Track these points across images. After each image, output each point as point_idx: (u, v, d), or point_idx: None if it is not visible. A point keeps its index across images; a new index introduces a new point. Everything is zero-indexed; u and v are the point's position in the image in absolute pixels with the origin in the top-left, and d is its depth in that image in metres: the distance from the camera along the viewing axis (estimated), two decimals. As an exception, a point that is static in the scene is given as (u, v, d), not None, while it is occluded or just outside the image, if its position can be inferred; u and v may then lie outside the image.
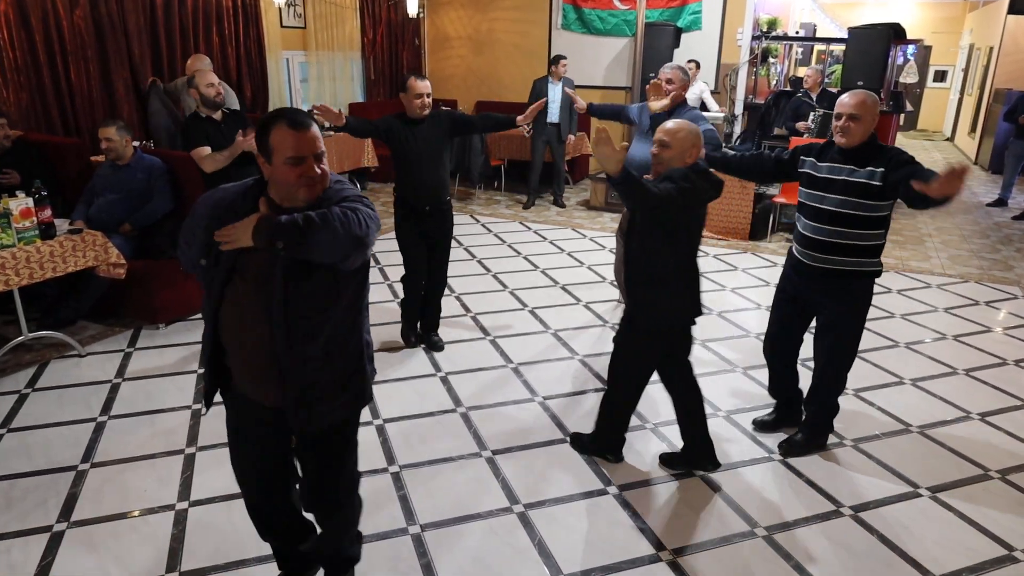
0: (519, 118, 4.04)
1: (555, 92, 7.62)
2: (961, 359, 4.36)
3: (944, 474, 3.16)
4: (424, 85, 3.82)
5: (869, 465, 3.21)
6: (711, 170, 2.84)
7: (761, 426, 3.47)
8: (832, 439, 3.39)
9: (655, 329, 2.90)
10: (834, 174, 2.86)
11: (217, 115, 4.16)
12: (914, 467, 3.20)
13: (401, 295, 4.41)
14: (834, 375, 3.17)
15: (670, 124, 2.77)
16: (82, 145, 5.33)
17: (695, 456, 3.11)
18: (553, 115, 7.69)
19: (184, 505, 2.81)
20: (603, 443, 3.19)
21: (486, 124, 4.20)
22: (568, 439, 3.31)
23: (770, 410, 3.51)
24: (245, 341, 1.88)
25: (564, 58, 7.65)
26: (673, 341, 2.96)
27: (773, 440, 3.37)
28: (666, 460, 3.17)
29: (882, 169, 2.74)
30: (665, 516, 2.82)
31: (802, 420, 3.35)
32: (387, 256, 6.01)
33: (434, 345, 4.31)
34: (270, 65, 8.06)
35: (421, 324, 4.37)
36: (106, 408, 3.53)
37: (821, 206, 2.91)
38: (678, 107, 3.92)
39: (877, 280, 3.02)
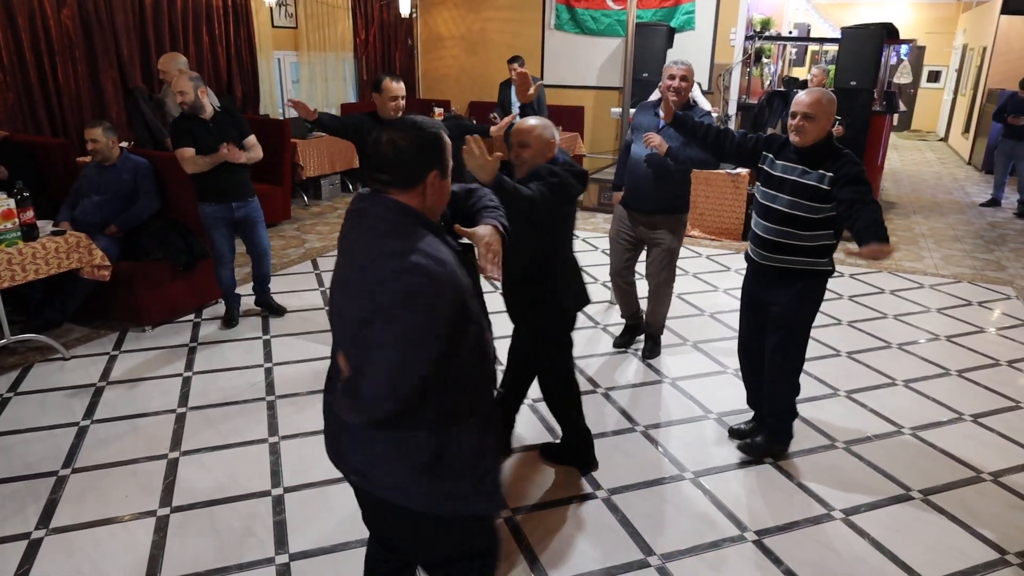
0: (493, 129, 3.88)
1: (514, 93, 7.38)
2: (954, 360, 4.33)
3: (936, 476, 3.13)
4: (399, 87, 3.75)
5: (860, 468, 3.18)
6: (572, 161, 2.83)
7: (737, 434, 3.38)
8: (823, 441, 3.37)
9: (545, 323, 2.89)
10: (787, 174, 2.85)
11: (207, 115, 4.11)
12: (906, 469, 3.17)
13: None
14: (782, 376, 3.11)
15: (530, 122, 2.76)
16: (69, 145, 5.28)
17: (572, 453, 3.13)
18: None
19: (166, 511, 2.77)
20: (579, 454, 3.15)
21: (457, 131, 4.11)
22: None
23: (749, 418, 3.45)
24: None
25: (514, 60, 7.26)
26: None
27: (764, 443, 3.33)
28: (544, 451, 3.21)
29: (831, 174, 2.73)
30: (654, 520, 2.79)
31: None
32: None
33: None
34: (261, 65, 8.02)
35: None
36: (89, 412, 3.48)
37: (773, 205, 2.88)
38: (687, 108, 3.74)
39: (871, 280, 2.98)
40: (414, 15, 10.15)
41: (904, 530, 2.77)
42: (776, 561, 2.58)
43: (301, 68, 8.78)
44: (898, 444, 3.39)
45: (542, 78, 9.89)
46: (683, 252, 6.45)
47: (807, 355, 3.19)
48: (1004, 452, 3.34)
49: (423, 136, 1.53)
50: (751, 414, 3.46)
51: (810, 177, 2.77)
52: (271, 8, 8.08)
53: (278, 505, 2.80)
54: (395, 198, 1.52)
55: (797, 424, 3.50)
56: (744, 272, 3.22)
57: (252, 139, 4.26)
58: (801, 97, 2.79)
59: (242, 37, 7.72)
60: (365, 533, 2.64)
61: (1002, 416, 3.67)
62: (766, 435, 3.25)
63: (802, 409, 3.64)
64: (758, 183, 3.01)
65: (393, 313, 1.40)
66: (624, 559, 2.57)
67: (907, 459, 3.26)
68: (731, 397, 3.76)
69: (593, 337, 4.52)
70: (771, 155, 2.94)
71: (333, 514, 2.76)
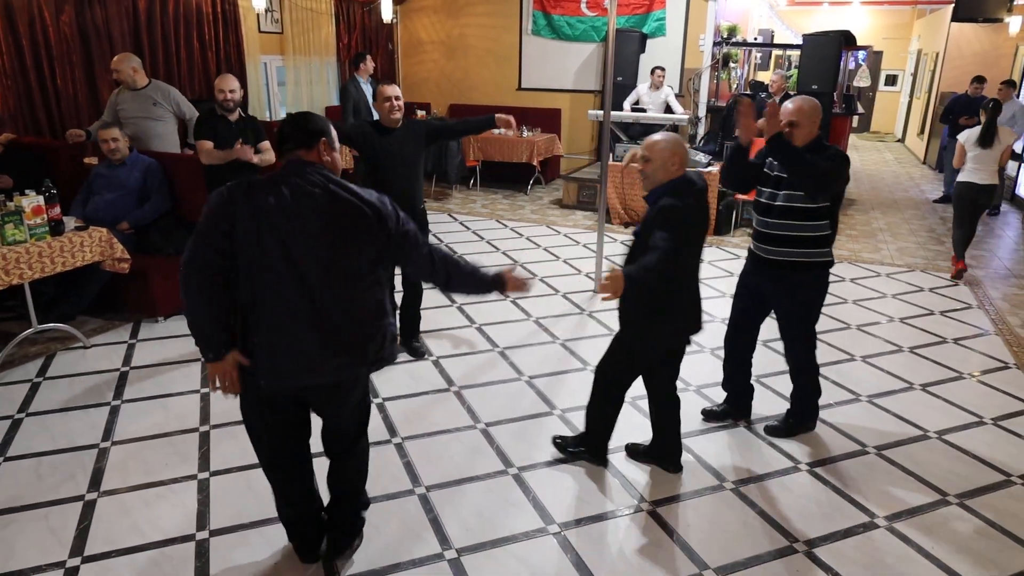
0: (497, 115, 4.11)
1: (368, 92, 7.29)
2: (906, 339, 4.78)
3: (888, 435, 3.54)
4: (392, 88, 3.87)
5: (823, 429, 3.58)
6: (692, 178, 2.80)
7: (709, 416, 3.64)
8: (787, 407, 3.74)
9: (651, 351, 2.97)
10: (783, 170, 3.12)
11: (233, 116, 4.47)
12: (862, 430, 3.58)
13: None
14: (803, 361, 3.40)
15: (655, 137, 2.80)
16: (74, 147, 5.49)
17: (661, 455, 3.20)
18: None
19: (205, 475, 3.06)
20: (589, 448, 3.23)
21: (466, 127, 4.27)
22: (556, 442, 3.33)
23: (721, 401, 3.71)
24: None
25: (369, 55, 7.42)
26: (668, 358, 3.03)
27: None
28: (631, 451, 3.29)
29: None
30: (644, 474, 3.15)
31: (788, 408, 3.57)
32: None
33: (416, 351, 4.28)
34: (249, 69, 8.25)
35: (401, 332, 4.28)
36: (118, 393, 3.75)
37: (773, 203, 3.20)
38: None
39: (832, 269, 3.30)
40: (395, 20, 10.44)
41: (859, 480, 3.17)
42: (751, 504, 2.95)
43: (287, 72, 9.02)
44: (856, 409, 3.80)
45: (520, 82, 10.28)
46: (659, 245, 6.87)
47: (774, 335, 3.57)
48: (948, 414, 3.78)
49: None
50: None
51: None
52: (258, 14, 8.32)
53: (307, 469, 3.11)
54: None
55: (766, 393, 3.91)
56: (744, 264, 3.48)
57: (267, 144, 4.59)
58: (786, 106, 3.10)
59: (231, 42, 7.96)
60: (389, 487, 3.00)
61: (947, 385, 4.11)
62: (794, 419, 3.51)
63: (771, 382, 4.04)
64: (758, 186, 3.28)
65: None
66: (619, 506, 2.92)
67: (863, 421, 3.67)
68: (708, 372, 4.15)
69: (580, 322, 4.89)
70: (769, 158, 3.20)
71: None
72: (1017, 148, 8.73)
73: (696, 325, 2.95)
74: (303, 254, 2.06)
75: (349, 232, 2.10)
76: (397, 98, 3.88)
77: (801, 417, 3.54)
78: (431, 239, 4.79)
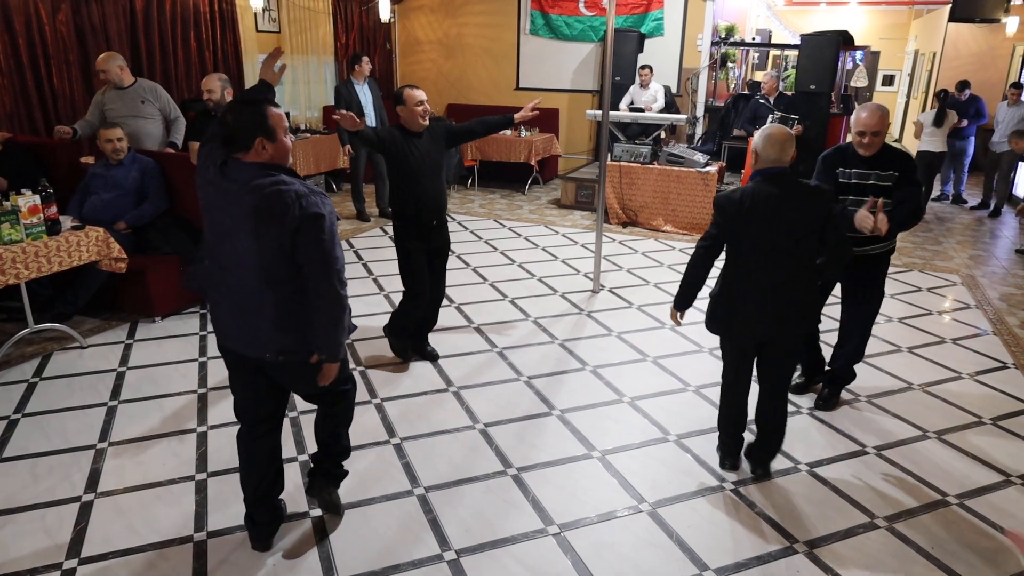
0: (516, 116, 4.03)
1: (363, 93, 7.17)
2: (905, 339, 4.77)
3: (888, 435, 3.54)
4: (421, 92, 3.79)
5: (822, 429, 3.58)
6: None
7: (795, 389, 3.90)
8: (791, 409, 3.74)
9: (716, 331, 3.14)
10: (863, 179, 3.39)
11: None
12: (862, 431, 3.58)
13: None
14: (867, 336, 3.78)
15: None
16: (71, 146, 5.46)
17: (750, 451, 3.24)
18: (370, 118, 7.10)
19: (203, 476, 3.04)
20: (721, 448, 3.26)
21: (485, 128, 4.14)
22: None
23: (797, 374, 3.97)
24: None
25: (365, 55, 7.23)
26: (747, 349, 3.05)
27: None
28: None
29: (898, 173, 3.34)
30: (643, 475, 3.14)
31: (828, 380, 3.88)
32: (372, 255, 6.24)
33: (429, 355, 4.25)
34: (246, 68, 8.23)
35: (415, 334, 4.25)
36: (115, 394, 3.73)
37: (859, 209, 3.27)
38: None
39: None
40: (393, 20, 10.44)
41: (860, 479, 3.16)
42: (750, 504, 2.95)
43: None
44: (856, 410, 3.79)
45: (518, 82, 10.28)
46: (657, 246, 6.88)
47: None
48: (946, 414, 3.77)
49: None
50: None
51: (885, 177, 3.36)
52: (256, 13, 8.30)
53: (304, 468, 3.09)
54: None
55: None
56: None
57: None
58: (862, 118, 3.30)
59: (228, 42, 7.94)
60: (388, 488, 3.00)
61: (945, 385, 4.11)
62: (838, 388, 3.88)
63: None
64: (839, 195, 3.42)
65: None
66: (619, 506, 2.91)
67: (863, 422, 3.67)
68: (707, 372, 4.14)
69: (579, 322, 4.88)
70: (844, 168, 3.45)
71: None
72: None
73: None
74: (233, 247, 2.21)
75: (264, 229, 2.14)
76: (426, 102, 3.81)
77: (841, 382, 3.86)
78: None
